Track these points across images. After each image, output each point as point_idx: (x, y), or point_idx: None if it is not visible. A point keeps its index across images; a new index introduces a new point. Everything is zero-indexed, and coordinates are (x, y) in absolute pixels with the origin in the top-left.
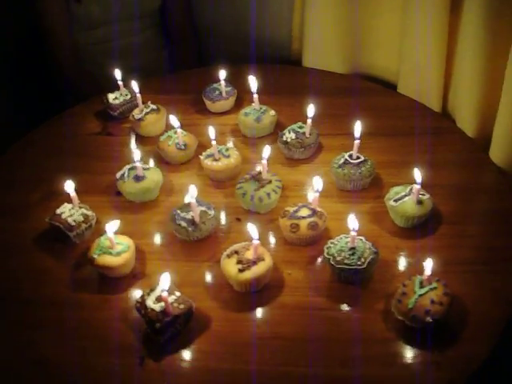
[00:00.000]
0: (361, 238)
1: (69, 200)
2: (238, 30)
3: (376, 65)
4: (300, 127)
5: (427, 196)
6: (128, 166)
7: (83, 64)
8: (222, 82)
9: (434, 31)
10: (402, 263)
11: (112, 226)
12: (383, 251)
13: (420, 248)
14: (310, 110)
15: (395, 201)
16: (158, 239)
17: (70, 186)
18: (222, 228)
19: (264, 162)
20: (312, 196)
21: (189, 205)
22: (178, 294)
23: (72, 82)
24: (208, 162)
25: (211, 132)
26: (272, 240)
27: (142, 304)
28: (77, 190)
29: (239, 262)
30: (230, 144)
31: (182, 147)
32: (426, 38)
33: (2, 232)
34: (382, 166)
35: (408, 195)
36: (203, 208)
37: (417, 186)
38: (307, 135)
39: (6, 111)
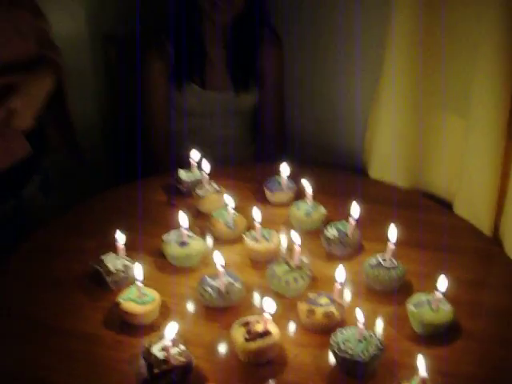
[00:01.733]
0: (371, 333)
1: (116, 251)
2: (318, 137)
3: (435, 183)
4: (343, 226)
5: (448, 306)
6: (175, 231)
7: (172, 146)
8: (284, 176)
9: (490, 156)
10: (408, 366)
11: (139, 272)
12: (393, 352)
13: (431, 356)
14: (355, 210)
15: (415, 306)
16: (184, 300)
17: (119, 236)
18: (245, 302)
19: (297, 248)
20: (336, 287)
21: (218, 274)
22: (182, 347)
23: (158, 159)
24: (249, 242)
25: (256, 214)
26: (289, 322)
27: (148, 349)
28: (126, 245)
29: (247, 332)
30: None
31: (231, 226)
32: (482, 162)
33: (54, 269)
34: (415, 275)
35: (429, 303)
36: (231, 279)
37: (438, 294)
38: (349, 234)
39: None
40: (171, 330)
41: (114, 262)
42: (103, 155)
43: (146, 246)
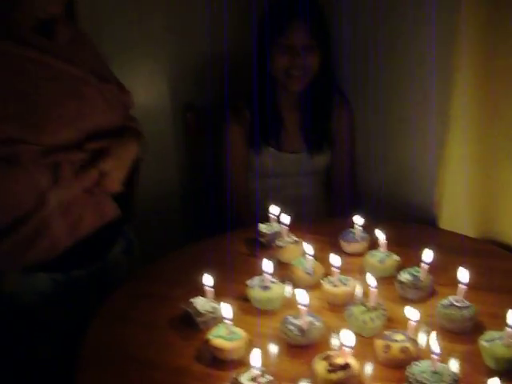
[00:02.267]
0: (445, 365)
1: (204, 295)
2: (388, 194)
3: (506, 232)
4: (416, 271)
5: None
6: (258, 277)
7: (252, 206)
8: (358, 228)
9: None
10: None
11: (228, 311)
12: None
13: None
14: (427, 255)
15: (487, 342)
16: (268, 339)
17: (207, 280)
18: (325, 340)
19: (372, 290)
20: (410, 325)
21: (300, 314)
22: (269, 377)
23: (236, 217)
24: (328, 287)
25: (334, 260)
26: (366, 358)
27: (236, 379)
28: (213, 289)
29: (329, 364)
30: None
31: (310, 273)
32: None
33: (145, 313)
34: (487, 316)
35: (501, 339)
36: (312, 319)
37: (510, 330)
38: (421, 279)
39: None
40: (256, 356)
41: (202, 304)
42: (181, 215)
43: (231, 291)
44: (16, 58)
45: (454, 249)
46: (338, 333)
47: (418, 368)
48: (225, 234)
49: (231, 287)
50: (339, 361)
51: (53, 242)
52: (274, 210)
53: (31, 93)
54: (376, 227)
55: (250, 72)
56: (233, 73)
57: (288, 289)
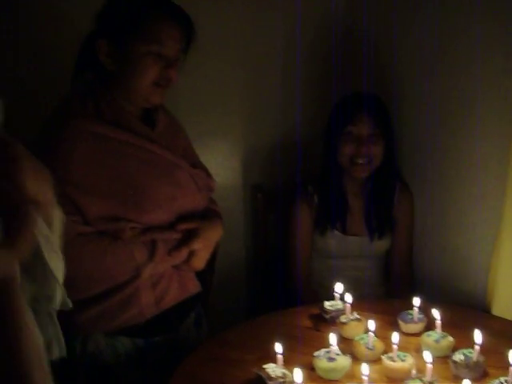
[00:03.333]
0: None
1: (275, 361)
2: (444, 280)
3: None
4: (469, 352)
5: None
6: (325, 349)
7: (313, 284)
8: (416, 309)
9: None
10: None
11: (298, 376)
12: None
13: None
14: (478, 336)
15: None
16: None
17: (278, 348)
18: None
19: (429, 366)
20: None
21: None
22: None
23: (298, 294)
24: (387, 362)
25: (395, 338)
26: None
27: None
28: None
29: None
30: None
31: (371, 348)
32: None
33: (221, 375)
34: None
35: None
36: None
37: None
38: (474, 359)
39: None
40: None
41: (274, 369)
42: (244, 289)
43: (299, 360)
44: (122, 144)
45: (505, 333)
46: None
47: None
48: (290, 309)
49: (298, 357)
50: None
51: (140, 310)
52: (338, 288)
53: (133, 175)
54: (432, 309)
55: (319, 157)
56: (303, 157)
57: (351, 361)
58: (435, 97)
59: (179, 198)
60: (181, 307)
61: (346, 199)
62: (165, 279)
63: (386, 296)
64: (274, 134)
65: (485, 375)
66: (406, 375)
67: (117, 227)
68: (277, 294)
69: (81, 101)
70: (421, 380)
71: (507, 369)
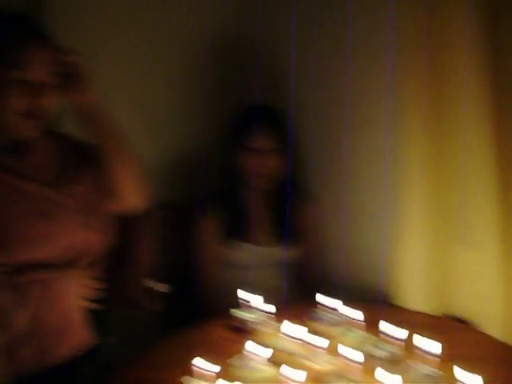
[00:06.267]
0: None
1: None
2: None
3: (457, 306)
4: (389, 346)
5: None
6: (247, 358)
7: (224, 297)
8: (331, 310)
9: (504, 283)
10: None
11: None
12: None
13: None
14: (397, 332)
15: None
16: None
17: (200, 362)
18: None
19: (354, 364)
20: None
21: None
22: None
23: (209, 309)
24: (312, 365)
25: (317, 341)
26: None
27: None
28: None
29: None
30: None
31: (294, 354)
32: (498, 286)
33: None
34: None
35: None
36: None
37: None
38: (395, 353)
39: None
40: None
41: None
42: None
43: (221, 372)
44: None
45: (419, 324)
46: None
47: None
48: (207, 322)
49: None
50: None
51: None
52: (255, 298)
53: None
54: (346, 308)
55: (221, 171)
56: (207, 170)
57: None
58: (327, 102)
59: (56, 235)
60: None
61: (252, 211)
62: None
63: (299, 302)
64: (174, 149)
65: (406, 367)
66: (332, 376)
67: None
68: (190, 309)
69: None
70: (345, 378)
71: (426, 359)
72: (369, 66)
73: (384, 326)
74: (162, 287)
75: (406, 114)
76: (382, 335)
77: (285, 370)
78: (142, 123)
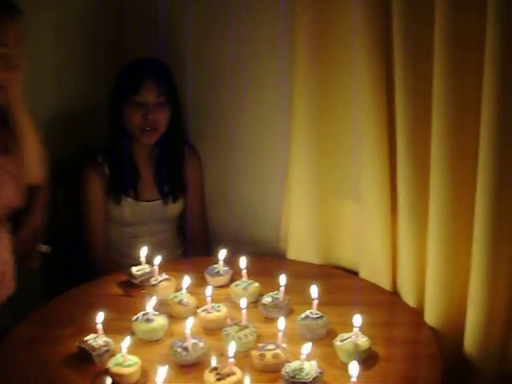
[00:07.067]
0: (310, 362)
1: (94, 332)
2: (239, 233)
3: (342, 256)
4: (276, 294)
5: (365, 338)
6: (142, 312)
7: (111, 253)
8: (221, 262)
9: (382, 232)
10: None
11: (126, 343)
12: (329, 376)
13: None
14: (282, 280)
15: (341, 341)
16: (158, 363)
17: (99, 317)
18: (208, 358)
19: (243, 311)
20: (278, 336)
21: (185, 337)
22: None
23: (98, 266)
24: (203, 314)
25: (208, 291)
26: (245, 368)
27: None
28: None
29: (217, 373)
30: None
31: (185, 304)
32: (377, 236)
33: (41, 354)
34: (337, 324)
35: (350, 337)
36: (196, 340)
37: (356, 329)
38: (281, 299)
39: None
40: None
41: (95, 339)
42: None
43: (118, 327)
44: None
45: (303, 274)
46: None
47: (290, 367)
48: (98, 280)
49: (117, 324)
50: (225, 370)
51: None
52: (143, 252)
53: None
54: (236, 261)
55: (105, 126)
56: (90, 125)
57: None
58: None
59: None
60: None
61: (137, 166)
62: None
63: (184, 257)
64: (63, 105)
65: (291, 312)
66: (223, 324)
67: None
68: (78, 267)
69: None
70: (238, 325)
71: (309, 304)
72: (262, 27)
73: (270, 275)
74: (42, 247)
75: (297, 68)
76: (268, 284)
77: (189, 320)
78: (31, 80)
